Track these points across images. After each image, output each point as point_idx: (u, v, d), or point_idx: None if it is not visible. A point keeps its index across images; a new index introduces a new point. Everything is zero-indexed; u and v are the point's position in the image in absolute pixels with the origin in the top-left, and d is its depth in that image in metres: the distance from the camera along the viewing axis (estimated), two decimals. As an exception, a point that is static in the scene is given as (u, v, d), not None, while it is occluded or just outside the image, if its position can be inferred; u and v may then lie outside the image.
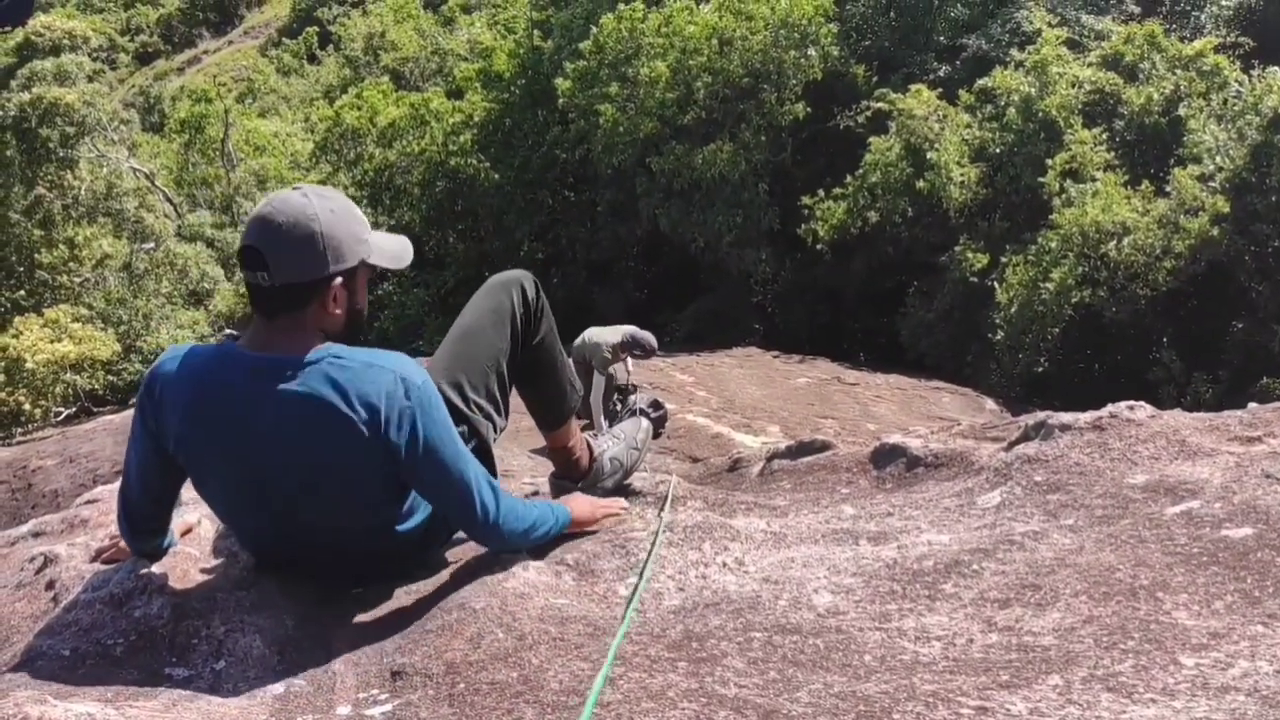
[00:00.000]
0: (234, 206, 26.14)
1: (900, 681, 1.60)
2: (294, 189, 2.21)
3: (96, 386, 19.41)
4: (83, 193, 21.02)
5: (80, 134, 21.09)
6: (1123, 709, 1.45)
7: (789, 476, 3.33)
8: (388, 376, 2.12)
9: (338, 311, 2.19)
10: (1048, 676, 1.57)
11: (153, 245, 21.87)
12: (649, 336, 8.59)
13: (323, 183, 25.38)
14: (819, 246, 18.22)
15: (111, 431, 13.98)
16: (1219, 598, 1.80)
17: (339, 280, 2.17)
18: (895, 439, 3.22)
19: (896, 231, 17.95)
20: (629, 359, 8.87)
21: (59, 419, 18.36)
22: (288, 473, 2.15)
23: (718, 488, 3.40)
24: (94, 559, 2.51)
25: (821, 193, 18.37)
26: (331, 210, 2.16)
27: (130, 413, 15.39)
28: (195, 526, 2.66)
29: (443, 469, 2.17)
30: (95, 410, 18.79)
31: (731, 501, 2.85)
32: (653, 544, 2.37)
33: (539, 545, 2.41)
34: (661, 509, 2.64)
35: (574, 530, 2.51)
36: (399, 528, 2.33)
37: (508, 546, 2.33)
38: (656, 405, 9.32)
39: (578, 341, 8.64)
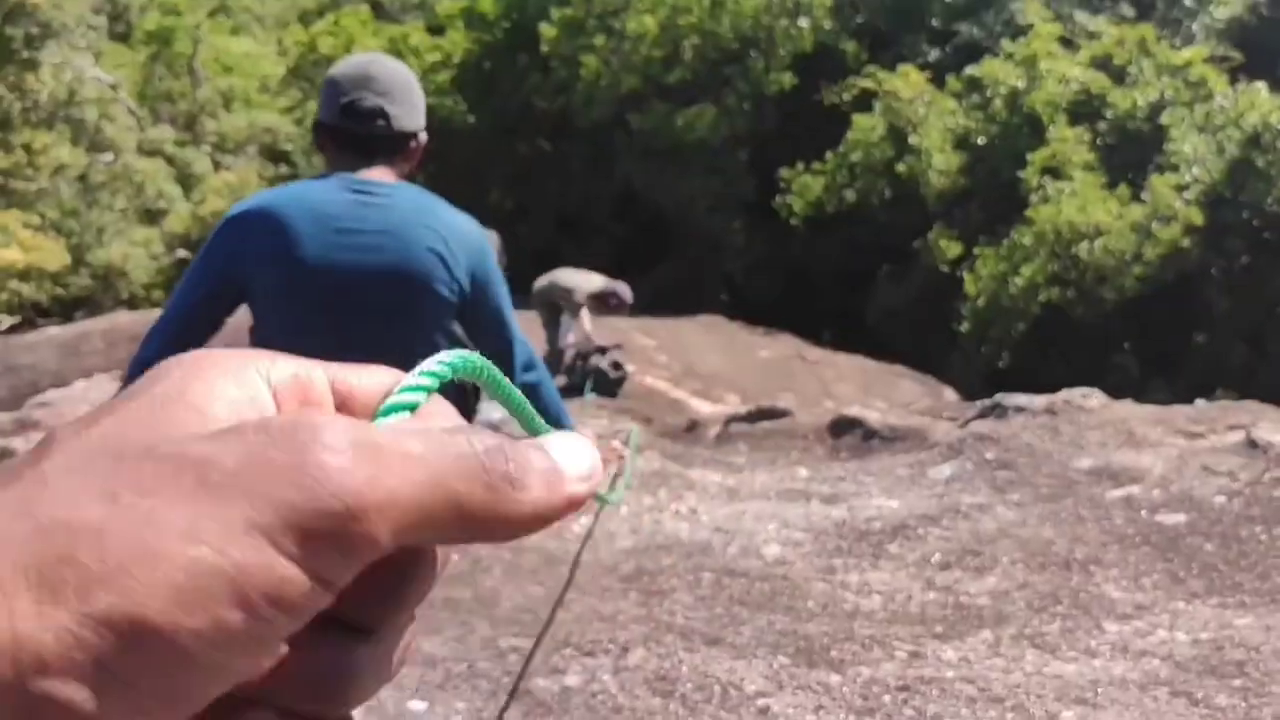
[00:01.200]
0: (198, 124, 25.72)
1: (840, 626, 1.70)
2: (365, 55, 2.59)
3: (42, 298, 19.13)
4: (44, 97, 20.58)
5: (45, 36, 20.60)
6: (1045, 663, 1.56)
7: (746, 439, 3.43)
8: (465, 216, 2.46)
9: (410, 165, 2.52)
10: (979, 631, 1.68)
11: (111, 157, 21.50)
12: (626, 288, 8.52)
13: (291, 109, 25.07)
14: (793, 221, 18.33)
15: (55, 345, 13.82)
16: (1147, 575, 1.92)
17: (423, 136, 2.52)
18: (854, 411, 3.33)
19: (872, 213, 18.09)
20: (587, 314, 8.80)
21: (1, 328, 18.10)
22: (377, 280, 2.34)
23: (676, 444, 3.49)
24: None
25: (801, 166, 18.44)
26: (411, 72, 2.55)
27: (79, 326, 15.02)
28: None
29: (496, 309, 2.46)
30: (39, 322, 18.54)
31: (689, 455, 2.95)
32: (614, 483, 2.46)
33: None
34: (627, 453, 2.72)
35: None
36: None
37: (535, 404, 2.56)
38: (616, 366, 9.38)
39: (544, 282, 8.52)
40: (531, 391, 2.57)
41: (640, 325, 14.38)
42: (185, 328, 2.36)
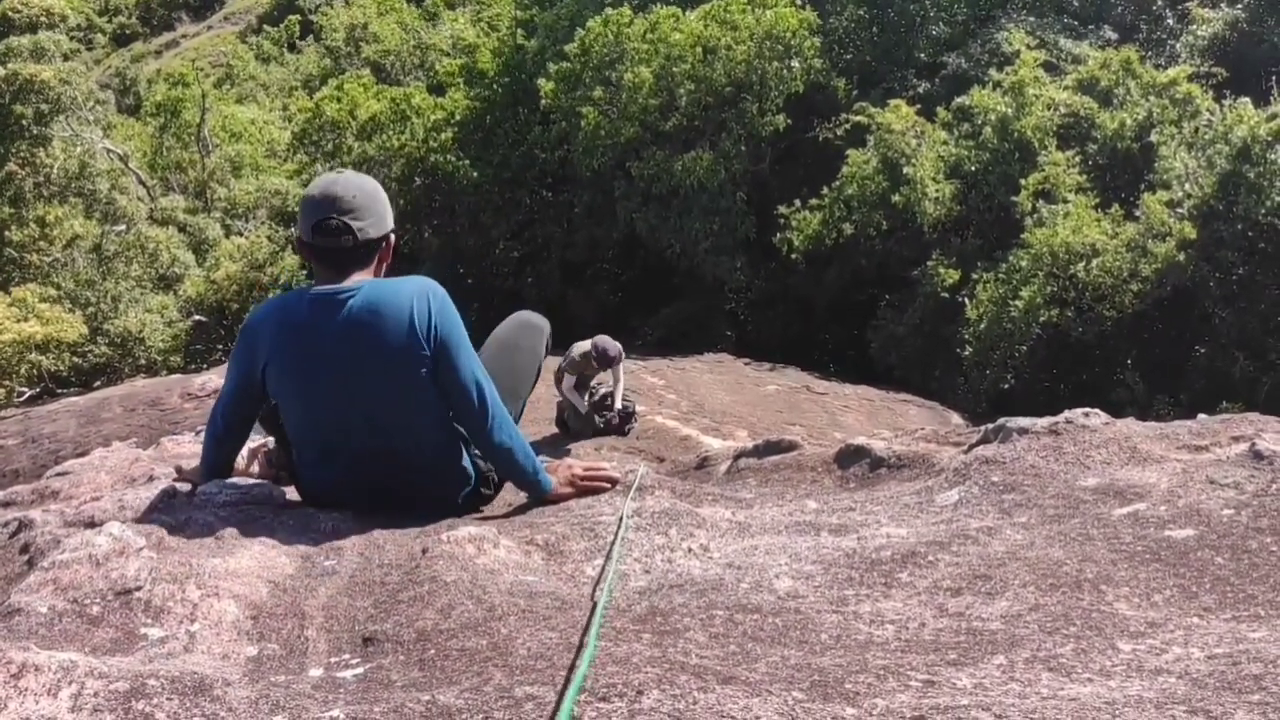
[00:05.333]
0: (208, 191, 25.98)
1: (854, 657, 1.68)
2: (336, 172, 2.89)
3: (61, 368, 19.23)
4: (55, 171, 20.81)
5: (55, 112, 20.89)
6: (1061, 686, 1.53)
7: (755, 474, 3.41)
8: (415, 285, 2.73)
9: (385, 264, 2.86)
10: (993, 657, 1.66)
11: (124, 227, 21.70)
12: (604, 346, 8.76)
13: (298, 173, 25.33)
14: (793, 256, 18.37)
15: (75, 413, 13.88)
16: (1158, 591, 1.89)
17: (392, 236, 2.85)
18: (860, 441, 3.31)
19: (870, 244, 18.13)
20: (596, 369, 9.05)
21: (22, 399, 18.19)
22: (350, 375, 2.70)
23: (685, 481, 3.47)
24: (177, 477, 3.08)
25: (798, 203, 18.51)
26: (375, 183, 2.85)
27: (98, 394, 15.20)
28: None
29: (456, 363, 2.71)
30: (59, 391, 18.62)
31: (699, 492, 2.93)
32: (619, 527, 2.44)
33: (519, 480, 2.87)
34: (629, 495, 2.71)
35: (549, 501, 2.85)
36: (445, 461, 2.88)
37: (500, 454, 2.81)
38: (626, 409, 9.41)
39: (565, 352, 9.08)
40: (507, 454, 2.80)
41: (649, 365, 14.39)
42: (235, 412, 2.90)
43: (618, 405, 9.12)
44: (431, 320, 2.70)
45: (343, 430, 2.79)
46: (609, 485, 2.88)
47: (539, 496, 2.85)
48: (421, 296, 2.73)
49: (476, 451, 2.95)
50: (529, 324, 3.40)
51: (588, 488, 2.87)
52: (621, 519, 2.51)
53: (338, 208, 2.72)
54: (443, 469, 2.90)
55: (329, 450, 2.84)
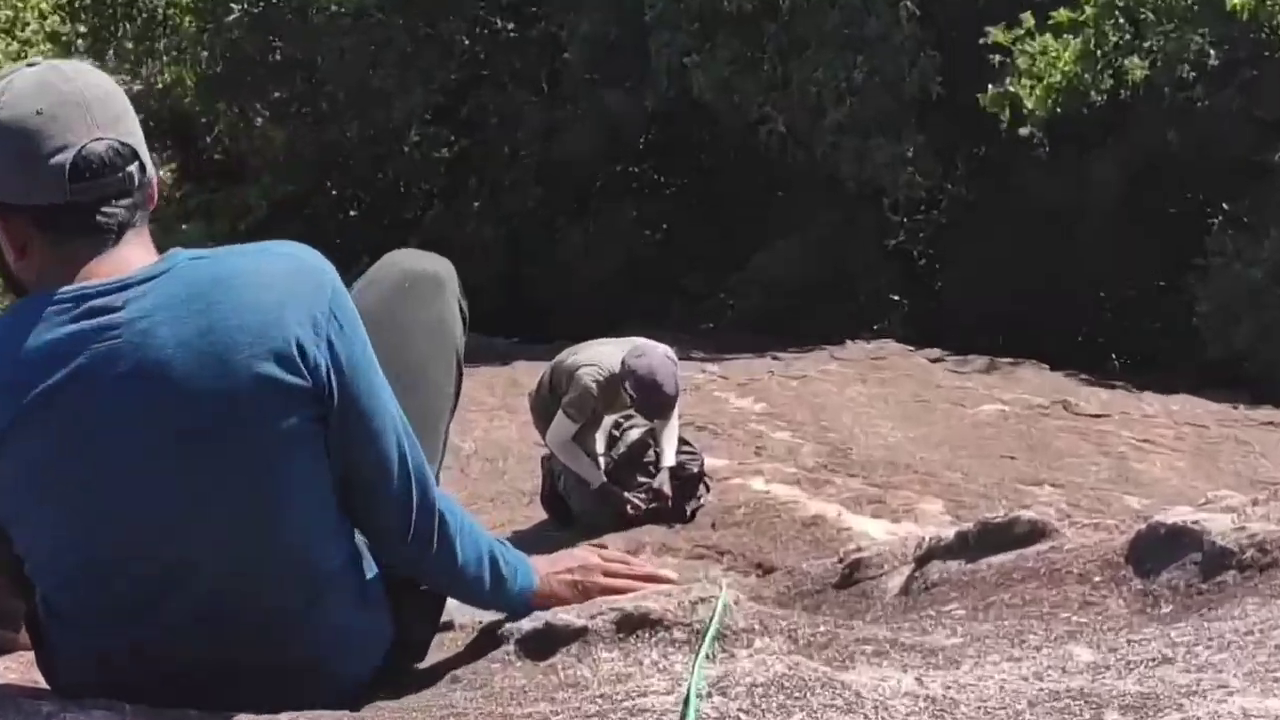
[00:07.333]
0: None
1: None
2: (46, 64, 2.81)
3: None
4: None
5: None
6: None
7: (962, 593, 3.43)
8: (288, 270, 2.78)
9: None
10: None
11: None
12: (652, 372, 8.69)
13: None
14: (1023, 131, 18.21)
15: None
16: None
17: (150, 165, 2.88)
18: (1179, 518, 3.31)
19: (1186, 99, 18.04)
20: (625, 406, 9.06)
21: None
22: (163, 454, 2.65)
23: (817, 614, 3.48)
24: None
25: (1022, 20, 18.41)
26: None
27: None
28: None
29: (365, 410, 2.76)
30: None
31: (846, 638, 2.94)
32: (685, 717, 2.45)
33: (488, 604, 3.05)
34: (702, 649, 2.71)
35: (540, 604, 3.00)
36: (341, 599, 2.87)
37: (454, 580, 2.96)
38: (686, 469, 9.61)
39: (556, 359, 9.04)
40: (464, 578, 2.94)
41: (728, 370, 14.42)
42: None
43: (668, 462, 9.10)
44: (327, 336, 2.70)
45: (146, 558, 2.76)
46: (648, 584, 3.08)
47: (520, 609, 3.00)
48: (306, 293, 2.72)
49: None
50: (415, 274, 3.40)
51: (609, 586, 3.05)
52: (689, 699, 2.51)
53: (94, 120, 2.69)
54: (337, 618, 2.92)
55: (116, 595, 2.80)
